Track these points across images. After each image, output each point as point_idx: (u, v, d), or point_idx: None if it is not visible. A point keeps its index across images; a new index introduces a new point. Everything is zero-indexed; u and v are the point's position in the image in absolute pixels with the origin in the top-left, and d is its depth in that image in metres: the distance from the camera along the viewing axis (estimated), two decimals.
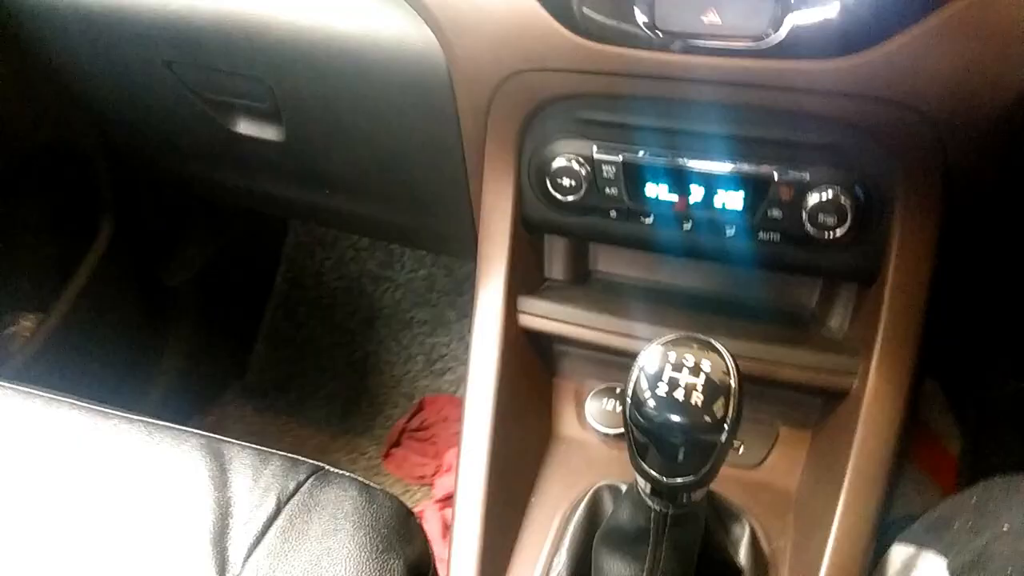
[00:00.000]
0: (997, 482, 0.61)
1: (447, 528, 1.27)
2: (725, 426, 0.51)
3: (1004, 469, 0.70)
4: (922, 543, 0.61)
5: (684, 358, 0.52)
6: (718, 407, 0.51)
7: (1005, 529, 0.54)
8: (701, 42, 0.66)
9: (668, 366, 0.52)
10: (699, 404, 0.51)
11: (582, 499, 0.74)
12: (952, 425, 1.22)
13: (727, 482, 0.77)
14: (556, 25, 0.70)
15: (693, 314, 0.83)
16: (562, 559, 0.71)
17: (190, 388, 1.53)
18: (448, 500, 1.31)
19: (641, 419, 0.52)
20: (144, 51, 0.98)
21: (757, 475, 0.80)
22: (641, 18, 0.66)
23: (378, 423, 1.55)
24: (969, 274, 0.84)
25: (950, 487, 1.15)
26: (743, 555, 0.68)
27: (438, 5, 0.76)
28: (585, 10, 0.68)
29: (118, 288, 1.38)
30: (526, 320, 0.84)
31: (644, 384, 0.52)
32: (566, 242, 0.89)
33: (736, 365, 0.53)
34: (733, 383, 0.52)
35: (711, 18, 0.65)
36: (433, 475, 1.41)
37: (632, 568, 0.59)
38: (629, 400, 0.53)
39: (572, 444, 0.84)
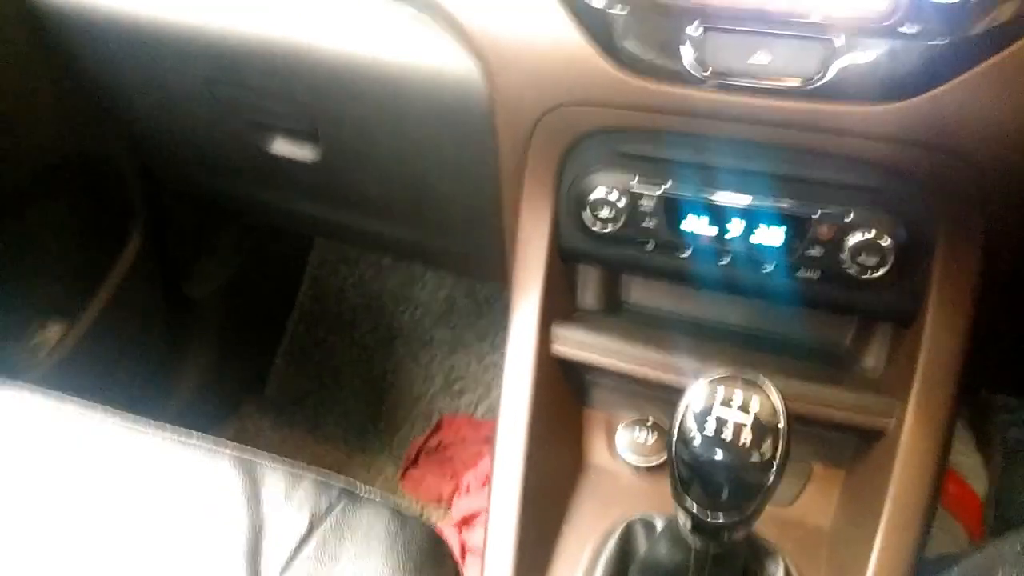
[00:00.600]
0: None
1: (465, 550, 1.27)
2: (773, 466, 0.51)
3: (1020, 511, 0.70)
4: None
5: (733, 396, 0.53)
6: (766, 447, 0.51)
7: None
8: (748, 82, 0.66)
9: (716, 404, 0.52)
10: (747, 444, 0.51)
11: (614, 531, 0.74)
12: (979, 465, 1.21)
13: (760, 518, 0.77)
14: (601, 60, 0.71)
15: (726, 348, 0.83)
16: None
17: (209, 400, 1.53)
18: (466, 521, 1.31)
19: (687, 456, 0.52)
20: (184, 68, 0.99)
21: (790, 512, 0.80)
22: (688, 56, 0.67)
23: (395, 442, 1.55)
24: (1001, 313, 0.84)
25: (975, 527, 1.14)
26: None
27: (484, 36, 0.76)
28: (631, 46, 0.69)
29: (144, 299, 1.39)
30: (559, 348, 0.84)
31: (691, 421, 0.53)
32: (599, 272, 0.89)
33: (784, 405, 0.53)
34: (782, 423, 0.52)
35: (759, 58, 0.66)
36: (450, 496, 1.41)
37: None
38: (676, 436, 0.53)
39: (603, 475, 0.84)
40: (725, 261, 0.77)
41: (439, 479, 1.45)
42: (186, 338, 1.51)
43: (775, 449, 0.51)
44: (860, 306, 0.75)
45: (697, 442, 0.52)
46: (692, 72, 0.67)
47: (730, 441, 0.51)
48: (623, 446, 0.84)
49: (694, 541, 0.56)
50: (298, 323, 1.65)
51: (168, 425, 0.80)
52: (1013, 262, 0.74)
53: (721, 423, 0.52)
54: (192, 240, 1.47)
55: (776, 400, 0.53)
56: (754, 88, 0.66)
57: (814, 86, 0.65)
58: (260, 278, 1.58)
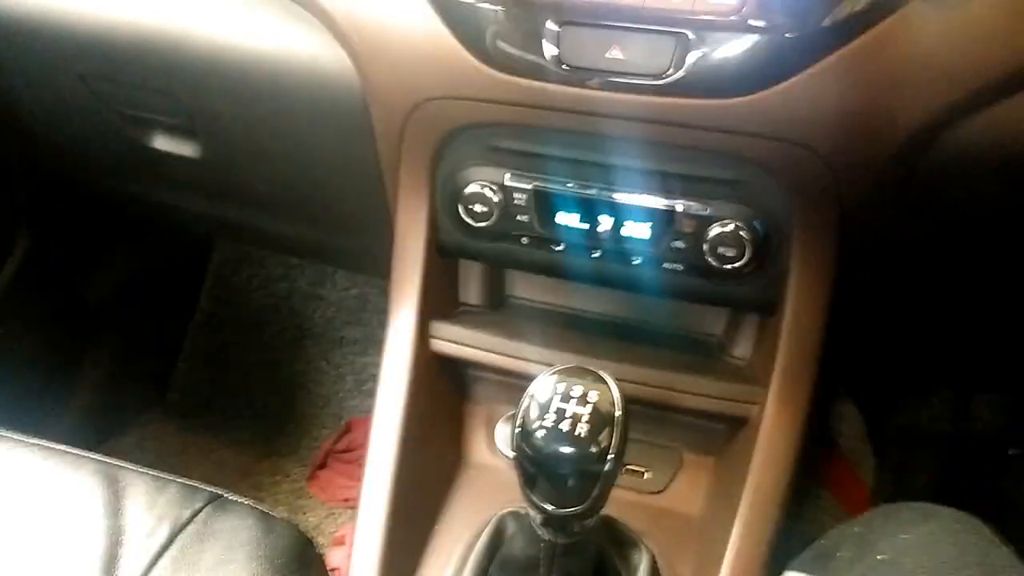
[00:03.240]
0: (880, 511, 0.63)
1: None
2: (609, 456, 0.52)
3: (914, 497, 0.72)
4: (811, 571, 0.62)
5: (572, 389, 0.53)
6: (603, 438, 0.52)
7: (880, 559, 0.56)
8: (604, 77, 0.67)
9: (556, 397, 0.53)
10: (584, 435, 0.51)
11: (486, 526, 0.74)
12: (868, 453, 1.25)
13: (630, 508, 0.78)
14: (467, 55, 0.71)
15: (604, 341, 0.84)
16: None
17: (110, 407, 1.48)
18: None
19: (528, 449, 0.53)
20: (59, 63, 0.95)
21: (661, 501, 0.81)
22: (549, 52, 0.68)
23: (304, 444, 1.52)
24: (879, 299, 0.87)
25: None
26: None
27: (353, 28, 0.76)
28: (494, 41, 0.69)
29: (34, 305, 1.34)
30: (438, 345, 0.84)
31: (533, 414, 0.53)
32: (481, 267, 0.89)
33: (622, 396, 0.53)
34: (618, 414, 0.53)
35: (615, 54, 0.66)
36: (357, 498, 1.39)
37: None
38: (518, 430, 0.53)
39: (482, 470, 0.84)
40: (597, 255, 0.78)
41: (348, 481, 1.43)
42: (83, 344, 1.45)
43: (611, 439, 0.52)
44: (723, 297, 0.77)
45: (537, 435, 0.52)
46: (550, 67, 0.68)
47: (567, 432, 0.51)
48: (501, 440, 0.84)
49: (543, 533, 0.56)
50: (201, 325, 1.61)
51: (32, 439, 0.77)
52: (875, 251, 0.76)
53: (560, 415, 0.52)
54: (85, 243, 1.42)
55: (614, 391, 0.53)
56: (611, 84, 0.67)
57: (667, 81, 0.66)
58: (159, 280, 1.53)
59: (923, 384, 1.34)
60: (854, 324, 0.89)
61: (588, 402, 0.52)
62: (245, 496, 0.72)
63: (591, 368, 0.55)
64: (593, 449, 0.51)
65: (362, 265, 1.35)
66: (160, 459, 1.51)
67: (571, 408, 0.52)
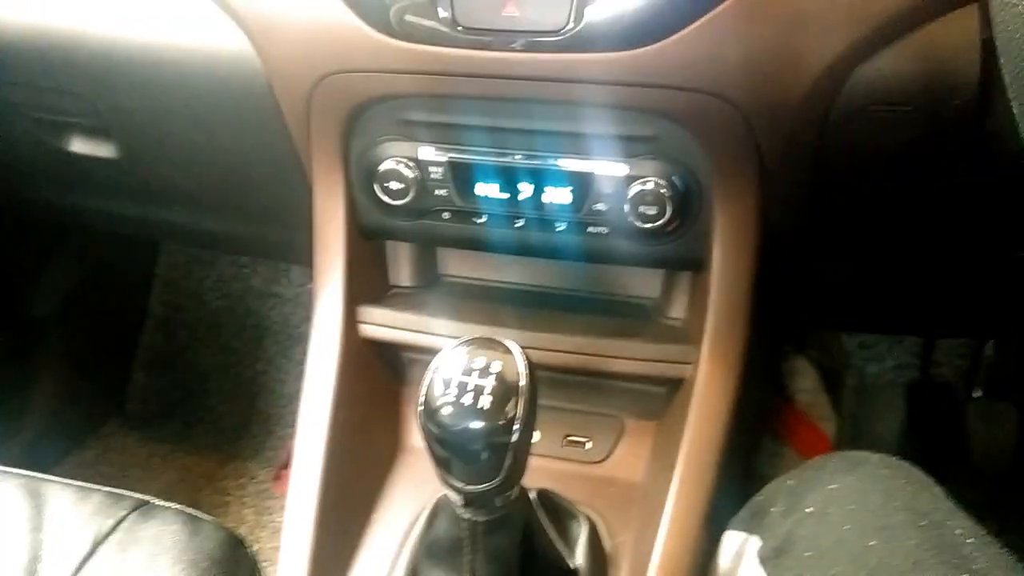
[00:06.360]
0: (811, 463, 0.61)
1: None
2: (516, 426, 0.50)
3: (877, 445, 0.70)
4: (749, 528, 0.61)
5: (474, 361, 0.51)
6: (509, 408, 0.50)
7: (808, 511, 0.55)
8: (501, 37, 0.65)
9: (459, 371, 0.51)
10: (488, 407, 0.49)
11: (423, 511, 0.72)
12: (827, 405, 1.24)
13: (573, 479, 0.76)
14: (362, 25, 0.68)
15: (537, 312, 0.82)
16: (400, 574, 0.69)
17: (66, 423, 1.45)
18: None
19: (434, 428, 0.51)
20: None
21: (603, 470, 0.79)
22: (443, 14, 0.65)
23: (269, 444, 1.50)
24: (816, 248, 0.85)
25: None
26: (580, 554, 0.67)
27: (247, 10, 0.74)
28: (389, 9, 0.67)
29: None
30: (367, 330, 0.81)
31: (436, 391, 0.51)
32: (410, 247, 0.87)
33: (528, 364, 0.52)
34: (523, 382, 0.51)
35: (510, 12, 0.64)
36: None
37: None
38: (422, 408, 0.51)
39: (420, 455, 0.82)
40: (519, 224, 0.75)
41: None
42: (32, 360, 1.42)
43: (517, 408, 0.50)
44: (652, 257, 0.75)
45: (442, 412, 0.50)
46: (446, 30, 0.65)
47: (471, 406, 0.49)
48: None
49: (463, 513, 0.54)
50: (155, 332, 1.57)
51: None
52: (800, 201, 0.74)
53: (462, 389, 0.50)
54: (24, 256, 1.38)
55: (518, 359, 0.51)
56: (509, 44, 0.65)
57: (567, 36, 0.64)
58: (106, 288, 1.49)
59: (885, 332, 1.33)
60: (791, 275, 0.88)
61: (491, 373, 0.50)
62: (211, 501, 0.71)
63: (507, 338, 0.53)
64: (499, 421, 0.49)
65: (301, 257, 1.32)
66: (123, 471, 1.48)
67: (473, 381, 0.50)
